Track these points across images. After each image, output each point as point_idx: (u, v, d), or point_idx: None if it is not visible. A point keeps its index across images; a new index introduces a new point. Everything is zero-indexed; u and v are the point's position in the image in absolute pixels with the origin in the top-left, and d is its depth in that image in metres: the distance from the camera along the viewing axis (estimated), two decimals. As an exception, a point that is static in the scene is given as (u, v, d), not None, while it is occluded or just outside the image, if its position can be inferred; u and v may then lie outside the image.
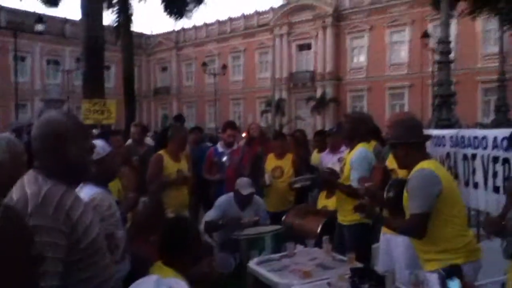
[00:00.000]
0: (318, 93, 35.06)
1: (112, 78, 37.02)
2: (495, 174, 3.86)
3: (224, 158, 5.30)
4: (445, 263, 2.57)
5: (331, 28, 34.85)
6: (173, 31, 44.44)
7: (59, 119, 1.68)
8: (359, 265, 3.25)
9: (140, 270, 2.26)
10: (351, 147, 3.92)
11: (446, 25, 8.20)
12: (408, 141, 2.72)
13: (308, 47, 36.87)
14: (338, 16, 34.77)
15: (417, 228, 2.60)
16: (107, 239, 1.83)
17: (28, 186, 1.58)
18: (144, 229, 2.79)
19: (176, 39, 45.53)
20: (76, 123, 1.72)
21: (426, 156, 2.79)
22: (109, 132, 4.91)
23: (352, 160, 3.75)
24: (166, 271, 2.19)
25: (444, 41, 8.07)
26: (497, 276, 2.85)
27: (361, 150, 3.75)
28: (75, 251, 1.56)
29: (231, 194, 4.53)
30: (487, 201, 3.87)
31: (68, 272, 1.55)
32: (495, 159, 3.85)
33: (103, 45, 11.46)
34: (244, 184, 4.47)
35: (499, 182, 3.72)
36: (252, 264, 3.46)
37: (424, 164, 2.66)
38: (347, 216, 3.81)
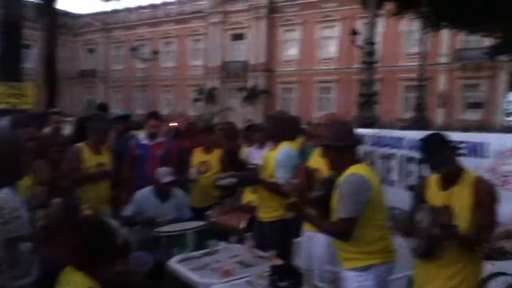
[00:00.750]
0: (250, 83, 35.21)
1: (33, 59, 34.64)
2: (409, 174, 4.08)
3: None
4: (363, 263, 2.68)
5: (265, 20, 35.05)
6: (103, 12, 42.43)
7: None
8: (280, 262, 3.29)
9: (51, 274, 2.13)
10: (276, 144, 3.92)
11: (372, 26, 8.53)
12: (342, 144, 2.73)
13: (241, 37, 36.81)
14: (272, 8, 35.02)
15: (345, 232, 2.64)
16: (9, 244, 1.69)
17: None
18: (56, 232, 2.63)
19: (105, 21, 43.55)
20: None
21: (357, 160, 2.82)
22: (19, 124, 4.52)
23: (277, 159, 3.74)
24: (76, 276, 2.08)
25: (370, 42, 8.40)
26: (404, 271, 3.00)
27: (286, 149, 3.74)
28: None
29: (150, 187, 4.47)
30: (401, 198, 4.07)
31: None
32: (410, 159, 4.07)
33: (22, 23, 10.67)
34: (163, 173, 4.45)
35: (413, 181, 3.93)
36: (172, 262, 3.38)
37: (356, 169, 2.67)
38: (268, 213, 3.81)
